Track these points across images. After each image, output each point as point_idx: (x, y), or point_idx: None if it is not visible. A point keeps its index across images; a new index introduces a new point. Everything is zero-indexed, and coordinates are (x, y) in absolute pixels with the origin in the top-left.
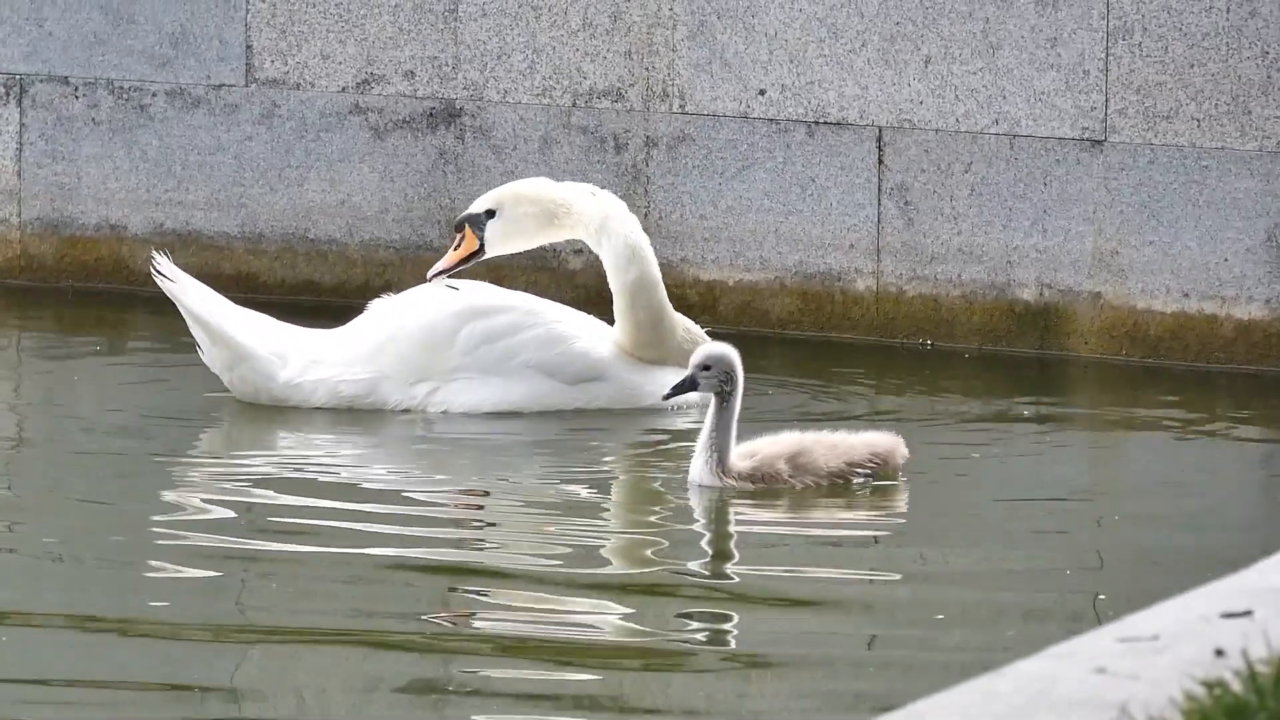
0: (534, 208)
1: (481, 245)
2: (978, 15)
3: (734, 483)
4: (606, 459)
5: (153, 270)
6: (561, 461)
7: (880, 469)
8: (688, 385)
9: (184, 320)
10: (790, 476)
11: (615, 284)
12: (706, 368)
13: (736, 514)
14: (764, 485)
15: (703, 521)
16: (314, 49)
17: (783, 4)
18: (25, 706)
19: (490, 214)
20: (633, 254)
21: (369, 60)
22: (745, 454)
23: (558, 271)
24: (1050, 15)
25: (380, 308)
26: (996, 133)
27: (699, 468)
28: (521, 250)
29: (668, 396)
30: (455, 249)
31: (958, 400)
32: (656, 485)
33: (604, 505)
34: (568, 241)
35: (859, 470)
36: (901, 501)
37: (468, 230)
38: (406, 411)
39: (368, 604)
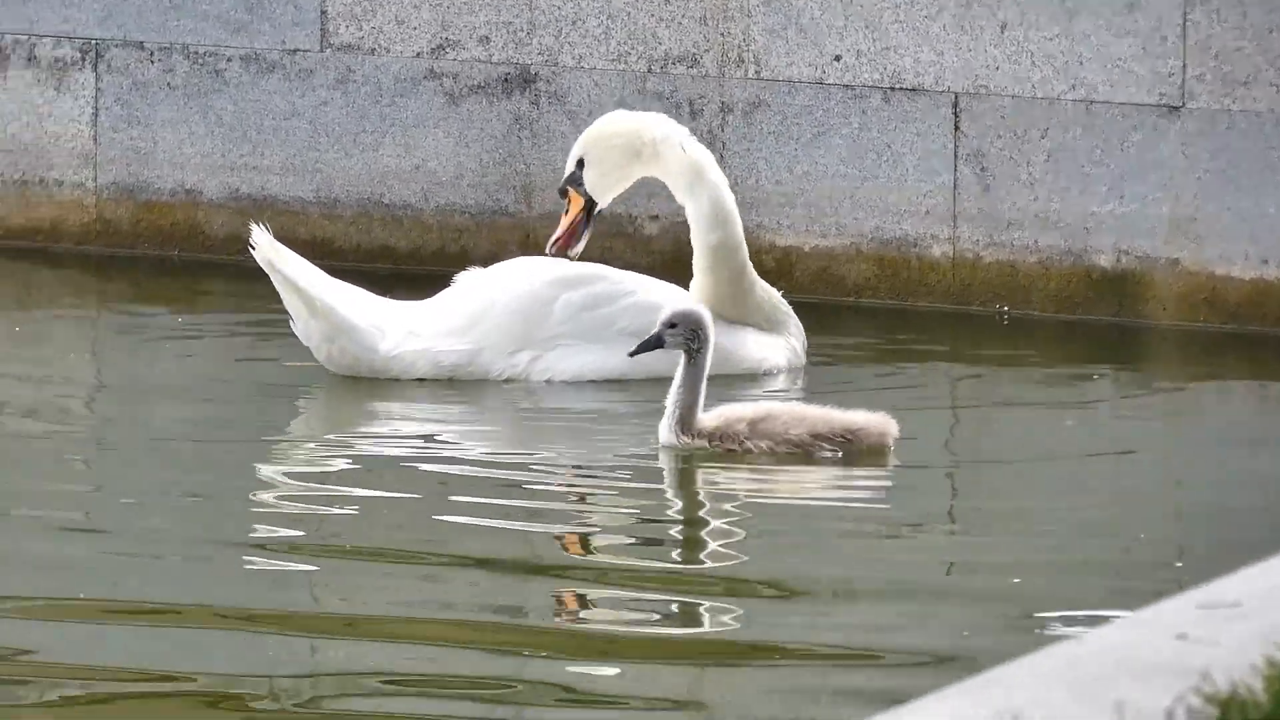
0: (619, 141)
1: (588, 198)
2: None
3: (690, 442)
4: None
5: (250, 242)
6: (640, 434)
7: (854, 445)
8: (654, 343)
9: (266, 290)
10: (747, 439)
11: (699, 241)
12: (673, 325)
13: (801, 480)
14: (720, 446)
15: (766, 494)
16: (389, 14)
17: None
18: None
19: (581, 164)
20: (720, 215)
21: (444, 25)
22: (715, 415)
23: (633, 237)
24: None
25: (469, 280)
26: (1073, 99)
27: (662, 427)
28: (625, 187)
29: (634, 353)
30: (565, 214)
31: (1035, 367)
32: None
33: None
34: (644, 208)
35: (826, 444)
36: (980, 468)
37: (571, 191)
38: (509, 380)
39: (436, 592)
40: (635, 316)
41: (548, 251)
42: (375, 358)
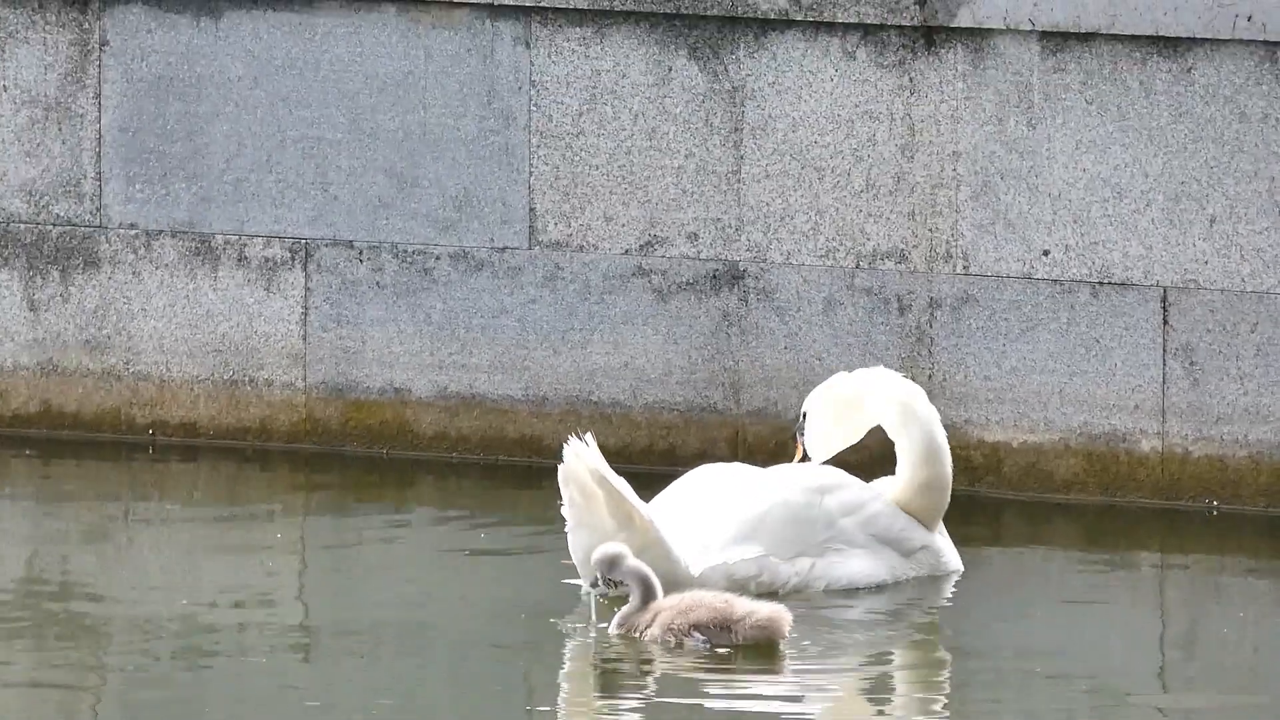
0: (835, 404)
1: (805, 453)
2: (1263, 174)
3: (615, 632)
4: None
5: (568, 449)
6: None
7: (732, 637)
8: (601, 590)
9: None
10: (644, 630)
11: (908, 474)
12: (595, 584)
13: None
14: (627, 634)
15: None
16: (597, 211)
17: (1066, 164)
18: None
19: (803, 417)
20: (931, 451)
21: (652, 222)
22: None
23: None
24: None
25: (700, 481)
26: None
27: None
28: (854, 440)
29: (590, 590)
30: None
31: (1245, 561)
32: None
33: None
34: None
35: (693, 634)
36: (1186, 664)
37: (795, 440)
38: (797, 591)
39: None
40: (887, 523)
41: None
42: (679, 573)
